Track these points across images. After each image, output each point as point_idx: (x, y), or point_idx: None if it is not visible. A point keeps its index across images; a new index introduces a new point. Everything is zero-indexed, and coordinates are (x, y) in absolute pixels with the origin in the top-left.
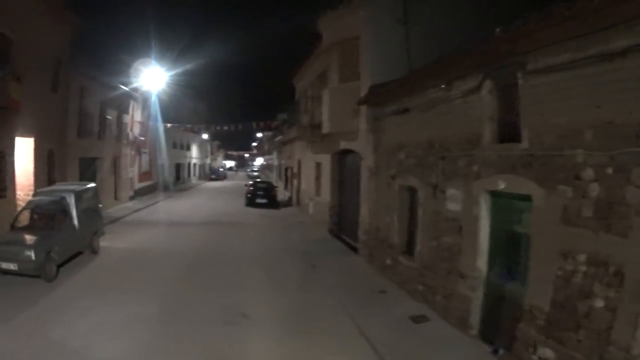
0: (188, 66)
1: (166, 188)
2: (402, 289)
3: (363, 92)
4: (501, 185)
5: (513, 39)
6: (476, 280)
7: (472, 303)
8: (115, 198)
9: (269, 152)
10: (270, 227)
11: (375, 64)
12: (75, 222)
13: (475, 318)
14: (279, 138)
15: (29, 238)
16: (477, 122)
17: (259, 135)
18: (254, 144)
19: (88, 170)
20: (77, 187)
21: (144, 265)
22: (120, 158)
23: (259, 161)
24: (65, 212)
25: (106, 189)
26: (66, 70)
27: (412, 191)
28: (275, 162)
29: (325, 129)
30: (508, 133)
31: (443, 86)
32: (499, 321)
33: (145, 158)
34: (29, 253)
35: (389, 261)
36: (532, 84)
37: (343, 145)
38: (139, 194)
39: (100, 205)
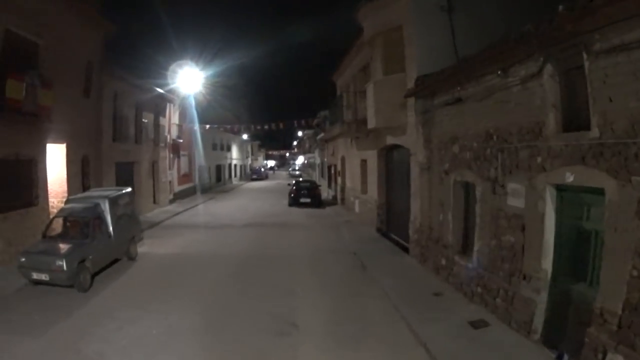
0: (225, 66)
1: (207, 190)
2: (459, 291)
3: (409, 84)
4: (569, 178)
5: (578, 17)
6: (540, 281)
7: (536, 306)
8: (154, 202)
9: (310, 151)
10: (316, 227)
11: (420, 54)
12: (110, 229)
13: (538, 322)
14: (320, 136)
15: (60, 247)
16: (539, 110)
17: (300, 133)
18: (295, 142)
19: (125, 174)
20: (112, 192)
21: (186, 272)
22: (159, 161)
23: (300, 160)
24: (100, 219)
25: (145, 193)
26: (99, 74)
27: (468, 187)
28: (317, 161)
29: (371, 124)
30: (574, 121)
31: (499, 73)
32: (564, 325)
33: (184, 160)
34: (60, 263)
35: (443, 261)
36: (599, 65)
37: (390, 140)
38: (178, 196)
39: (135, 211)
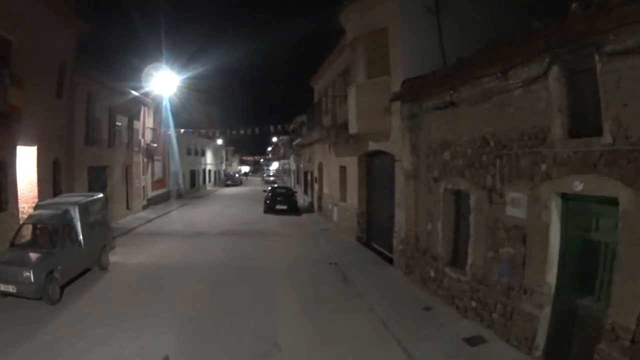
0: (201, 69)
1: (180, 196)
2: (450, 304)
3: (394, 87)
4: (578, 187)
5: (592, 16)
6: (544, 296)
7: (538, 322)
8: (127, 208)
9: (285, 157)
10: (294, 235)
11: (407, 57)
12: (81, 237)
13: (541, 338)
14: (297, 141)
15: (28, 257)
16: (544, 115)
17: (274, 139)
18: (269, 148)
19: (98, 179)
20: (83, 198)
21: (160, 284)
22: (132, 166)
23: (275, 166)
24: (69, 226)
25: (117, 199)
26: (72, 75)
27: (460, 195)
28: (293, 167)
29: (352, 129)
30: (583, 126)
31: (499, 75)
32: (569, 341)
33: (158, 165)
34: (27, 274)
35: (432, 273)
36: (613, 68)
37: (372, 146)
38: (152, 202)
39: (107, 218)
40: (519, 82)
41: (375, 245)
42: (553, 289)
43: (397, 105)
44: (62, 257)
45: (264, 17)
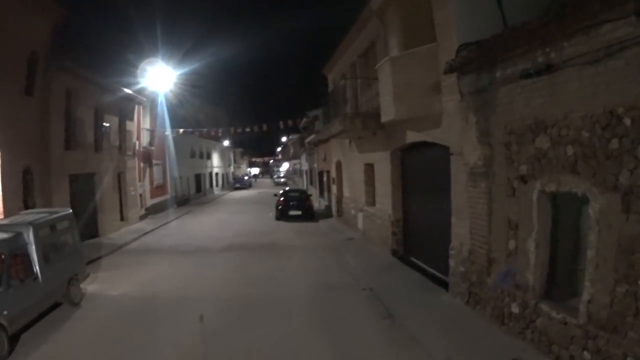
0: (202, 65)
1: (185, 202)
2: (544, 353)
3: (445, 56)
4: None
5: None
6: None
7: None
8: (122, 219)
9: (295, 157)
10: (313, 248)
11: (461, 16)
12: (37, 268)
13: None
14: (310, 138)
15: None
16: None
17: (284, 139)
18: (279, 149)
19: (83, 188)
20: (43, 216)
21: (142, 329)
22: (126, 172)
23: (285, 167)
24: (20, 255)
25: (108, 209)
26: (46, 69)
27: (568, 201)
28: (305, 167)
29: (388, 116)
30: None
31: (632, 17)
32: None
33: (157, 170)
34: None
35: (515, 309)
36: None
37: (412, 137)
38: (152, 211)
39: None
40: None
41: (418, 262)
42: None
43: (451, 78)
44: (9, 297)
45: (271, 4)
